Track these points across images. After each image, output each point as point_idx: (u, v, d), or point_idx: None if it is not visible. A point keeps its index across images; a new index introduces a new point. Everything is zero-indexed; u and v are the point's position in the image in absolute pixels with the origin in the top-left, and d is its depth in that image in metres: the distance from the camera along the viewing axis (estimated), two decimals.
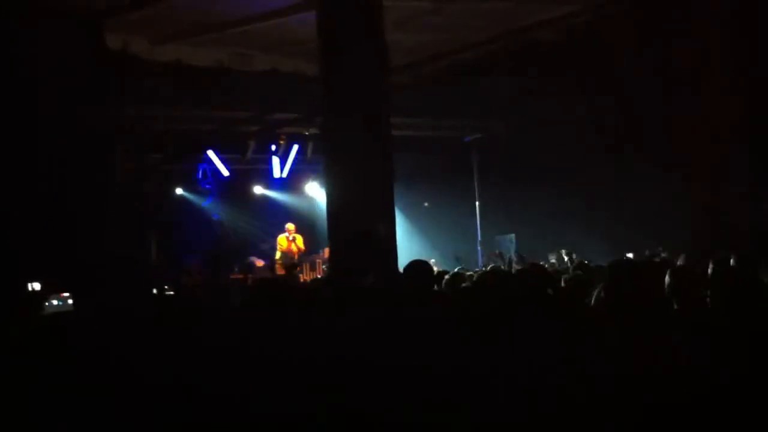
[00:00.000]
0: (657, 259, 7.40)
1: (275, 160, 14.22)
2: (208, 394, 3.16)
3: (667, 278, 3.84)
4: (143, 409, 3.09)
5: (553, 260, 9.47)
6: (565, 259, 8.62)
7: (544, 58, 11.93)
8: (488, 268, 7.31)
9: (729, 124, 10.85)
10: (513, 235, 14.28)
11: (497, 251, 10.65)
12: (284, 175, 14.36)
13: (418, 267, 4.63)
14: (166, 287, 6.21)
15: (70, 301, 4.99)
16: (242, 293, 5.59)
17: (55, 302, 5.07)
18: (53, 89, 6.87)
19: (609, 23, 11.22)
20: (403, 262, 7.60)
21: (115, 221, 7.43)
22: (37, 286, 5.54)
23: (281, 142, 14.08)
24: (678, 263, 5.99)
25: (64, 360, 3.27)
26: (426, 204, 15.49)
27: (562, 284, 4.84)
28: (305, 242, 13.54)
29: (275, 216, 14.50)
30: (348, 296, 4.58)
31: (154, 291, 6.97)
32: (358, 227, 7.99)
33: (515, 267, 7.94)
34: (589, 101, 12.08)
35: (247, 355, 3.41)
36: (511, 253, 10.36)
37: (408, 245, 12.00)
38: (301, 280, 12.09)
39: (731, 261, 4.91)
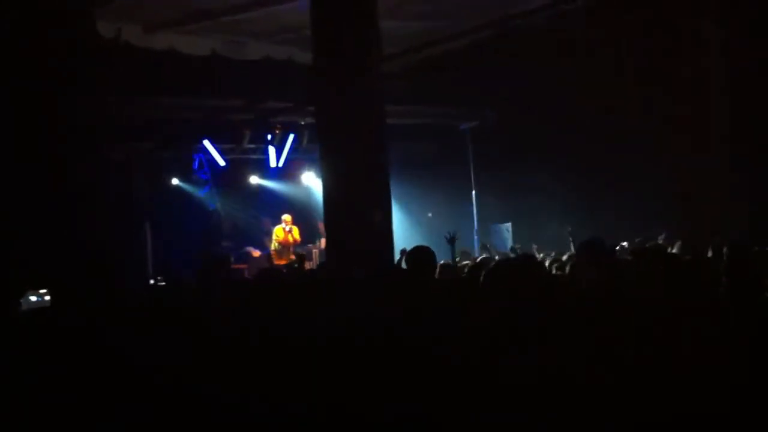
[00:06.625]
0: (650, 245, 7.38)
1: (271, 150, 14.17)
2: (204, 388, 3.12)
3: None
4: (133, 404, 3.05)
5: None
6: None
7: (538, 45, 11.86)
8: (478, 260, 7.29)
9: (721, 116, 10.91)
10: (509, 224, 14.25)
11: (486, 244, 10.62)
12: (280, 164, 14.31)
13: (419, 254, 4.60)
14: (159, 278, 6.11)
15: (47, 297, 4.88)
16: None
17: (33, 298, 4.96)
18: (41, 78, 6.77)
19: (602, 9, 11.17)
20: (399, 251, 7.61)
21: (108, 212, 7.35)
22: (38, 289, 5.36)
23: (277, 131, 14.02)
24: (672, 251, 5.96)
25: (55, 357, 3.23)
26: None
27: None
28: (301, 232, 13.52)
29: (272, 206, 14.47)
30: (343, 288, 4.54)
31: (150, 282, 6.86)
32: (354, 217, 7.95)
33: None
34: (585, 88, 12.01)
35: (244, 349, 3.37)
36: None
37: (404, 234, 11.96)
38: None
39: (724, 250, 4.89)
